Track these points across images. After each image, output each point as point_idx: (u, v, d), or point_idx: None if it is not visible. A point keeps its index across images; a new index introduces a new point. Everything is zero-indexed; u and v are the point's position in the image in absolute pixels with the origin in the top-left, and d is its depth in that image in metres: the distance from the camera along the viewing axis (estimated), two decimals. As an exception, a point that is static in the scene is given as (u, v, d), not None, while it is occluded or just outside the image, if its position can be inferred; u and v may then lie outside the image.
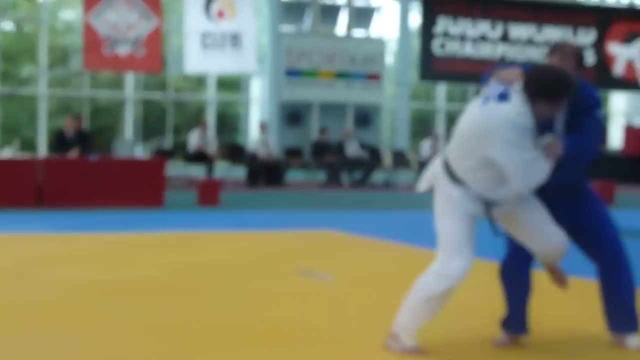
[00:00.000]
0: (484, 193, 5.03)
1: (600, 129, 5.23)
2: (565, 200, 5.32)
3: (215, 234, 11.47)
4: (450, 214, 5.06)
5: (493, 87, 5.00)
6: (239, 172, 22.79)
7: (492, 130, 4.81)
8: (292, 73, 26.11)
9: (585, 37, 29.73)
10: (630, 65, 30.02)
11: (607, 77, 29.84)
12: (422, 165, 23.35)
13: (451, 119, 32.10)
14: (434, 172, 5.20)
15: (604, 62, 29.73)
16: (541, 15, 29.30)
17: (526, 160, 4.79)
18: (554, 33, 29.19)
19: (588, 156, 5.19)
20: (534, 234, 5.16)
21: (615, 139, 31.57)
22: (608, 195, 18.57)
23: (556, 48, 5.29)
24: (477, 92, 29.11)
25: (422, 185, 5.26)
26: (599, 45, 29.61)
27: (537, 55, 28.94)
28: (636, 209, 17.15)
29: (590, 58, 29.50)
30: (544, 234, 5.15)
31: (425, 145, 23.80)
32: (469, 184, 5.01)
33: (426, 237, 11.16)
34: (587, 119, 5.17)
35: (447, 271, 5.05)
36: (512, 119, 4.79)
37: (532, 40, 29.05)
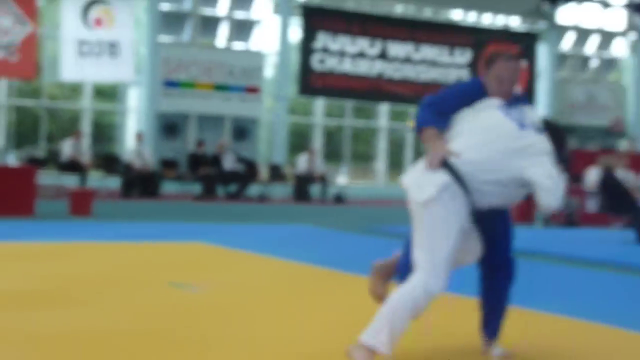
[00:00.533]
0: (492, 203, 5.17)
1: None
2: (495, 216, 5.42)
3: (87, 245, 11.32)
4: (446, 230, 5.04)
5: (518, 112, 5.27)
6: (114, 183, 22.53)
7: (543, 153, 5.15)
8: (169, 84, 25.97)
9: (461, 57, 30.33)
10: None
11: (481, 97, 30.47)
12: (299, 179, 23.48)
13: (329, 134, 32.34)
14: (431, 180, 5.09)
15: (479, 82, 30.33)
16: (419, 34, 29.80)
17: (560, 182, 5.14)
18: (430, 52, 29.71)
19: None
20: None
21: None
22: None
23: (504, 55, 5.41)
24: (356, 108, 29.28)
25: (428, 192, 5.07)
26: (474, 66, 30.22)
27: (413, 73, 29.39)
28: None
29: (466, 78, 30.08)
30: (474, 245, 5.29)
31: (302, 160, 23.90)
32: (485, 195, 5.10)
33: (297, 250, 11.26)
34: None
35: (431, 289, 5.00)
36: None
37: (410, 59, 29.51)
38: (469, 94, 5.38)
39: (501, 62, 5.37)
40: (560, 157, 5.28)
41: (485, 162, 5.09)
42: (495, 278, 5.53)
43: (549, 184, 5.08)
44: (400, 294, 5.03)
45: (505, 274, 5.53)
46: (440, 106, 5.30)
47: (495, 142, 5.14)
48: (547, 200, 5.10)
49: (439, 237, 5.02)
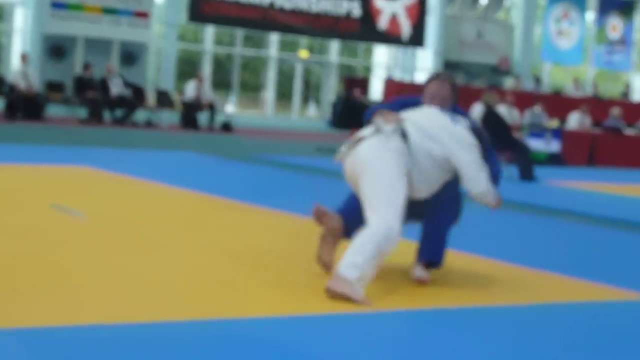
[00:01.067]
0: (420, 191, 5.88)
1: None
2: None
3: (-33, 166, 11.17)
4: (398, 173, 5.61)
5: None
6: (-3, 104, 22.13)
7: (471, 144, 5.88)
8: (57, 5, 25.42)
9: (353, -10, 30.31)
10: (394, 19, 30.89)
11: (372, 31, 30.63)
12: (187, 106, 23.38)
13: (217, 62, 32.19)
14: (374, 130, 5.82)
15: (370, 15, 30.47)
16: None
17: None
18: (322, -17, 29.63)
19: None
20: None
21: (377, 91, 32.46)
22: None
23: (436, 77, 6.40)
24: (246, 37, 29.17)
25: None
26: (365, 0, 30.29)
27: (305, 4, 29.31)
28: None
29: (356, 11, 30.19)
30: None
31: (190, 87, 23.74)
32: (420, 174, 5.79)
33: (182, 177, 11.29)
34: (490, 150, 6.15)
35: (393, 232, 5.42)
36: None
37: (301, -11, 29.36)
38: (410, 104, 6.32)
39: (432, 82, 6.36)
40: (483, 154, 5.96)
41: (427, 132, 5.82)
42: (435, 212, 6.07)
43: (473, 170, 5.83)
44: (363, 241, 5.38)
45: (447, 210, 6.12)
46: (387, 108, 6.17)
47: (433, 124, 5.91)
48: (471, 185, 5.85)
49: (395, 184, 5.55)
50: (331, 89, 34.16)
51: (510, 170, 15.22)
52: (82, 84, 22.77)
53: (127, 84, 23.46)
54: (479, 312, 5.42)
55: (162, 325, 4.51)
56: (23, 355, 3.89)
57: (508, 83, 32.10)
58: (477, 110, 18.70)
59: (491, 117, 16.17)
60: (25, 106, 21.27)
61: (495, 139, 15.63)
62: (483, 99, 17.43)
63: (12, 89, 21.38)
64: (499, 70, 34.49)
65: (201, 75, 24.34)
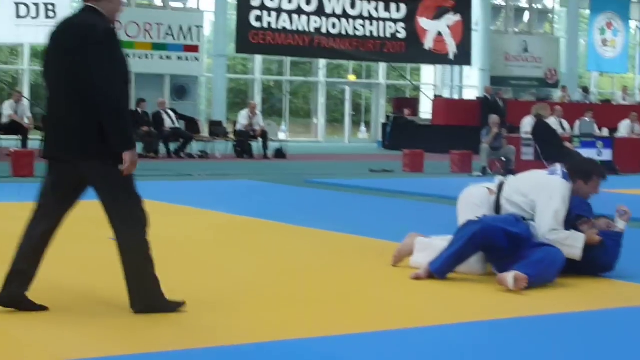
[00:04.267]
0: None
1: None
2: None
3: (29, 205, 11.41)
4: None
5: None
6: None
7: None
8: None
9: (397, 13, 30.50)
10: (439, 39, 31.02)
11: (418, 50, 30.78)
12: (240, 135, 23.64)
13: (267, 90, 32.53)
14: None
15: (416, 35, 30.63)
16: (354, -10, 29.91)
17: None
18: (366, 7, 29.85)
19: None
20: None
21: (426, 110, 32.59)
22: (418, 163, 19.33)
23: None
24: (294, 64, 29.47)
25: None
26: (409, 20, 30.45)
27: (350, 28, 29.54)
28: (442, 176, 17.89)
29: (402, 33, 30.36)
30: None
31: (242, 116, 23.97)
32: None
33: (239, 204, 11.47)
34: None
35: None
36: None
37: (346, 14, 29.60)
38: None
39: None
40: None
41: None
42: None
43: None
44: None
45: None
46: None
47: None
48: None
49: None
50: (380, 110, 34.34)
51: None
52: (136, 119, 23.11)
53: (180, 117, 23.78)
54: (552, 319, 5.57)
55: (243, 347, 4.68)
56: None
57: (556, 95, 32.07)
58: (527, 123, 18.81)
59: (542, 129, 16.29)
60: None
61: (548, 151, 15.78)
62: (533, 112, 17.55)
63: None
64: (547, 82, 34.47)
65: (253, 104, 24.60)
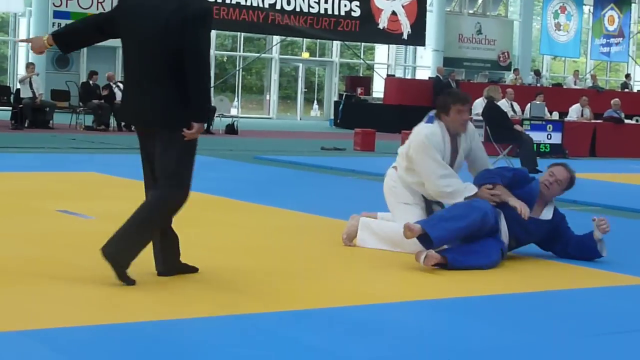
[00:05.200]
0: None
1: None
2: None
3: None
4: None
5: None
6: (4, 114, 22.31)
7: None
8: (60, 14, 25.66)
9: (352, -10, 30.45)
10: (393, 18, 31.05)
11: (372, 29, 30.79)
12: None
13: (220, 66, 32.34)
14: None
15: (371, 14, 30.62)
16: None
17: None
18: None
19: None
20: None
21: (378, 89, 32.63)
22: (369, 142, 19.33)
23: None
24: (247, 40, 29.14)
25: None
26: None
27: (304, 5, 29.40)
28: (393, 155, 17.86)
29: (356, 12, 30.33)
30: None
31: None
32: None
33: (199, 180, 11.39)
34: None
35: None
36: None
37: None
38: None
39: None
40: None
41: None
42: None
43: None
44: None
45: None
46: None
47: None
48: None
49: None
50: (333, 88, 34.33)
51: (513, 163, 15.37)
52: (87, 92, 22.92)
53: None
54: (489, 300, 5.61)
55: (176, 322, 4.67)
56: (43, 355, 4.03)
57: (508, 77, 32.27)
58: (478, 104, 18.87)
59: (493, 111, 16.35)
60: (33, 115, 21.46)
61: (498, 133, 15.84)
62: (485, 94, 17.59)
63: (19, 98, 21.56)
64: (499, 65, 34.65)
65: None
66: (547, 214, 6.91)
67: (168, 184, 5.50)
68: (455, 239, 6.44)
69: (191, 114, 5.40)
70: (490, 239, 6.54)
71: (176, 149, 5.46)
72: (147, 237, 5.53)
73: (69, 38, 5.81)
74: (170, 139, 5.44)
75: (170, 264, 5.66)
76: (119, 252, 5.38)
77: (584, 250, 6.89)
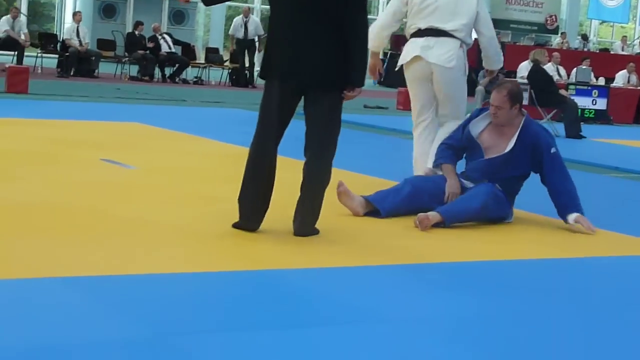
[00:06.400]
0: None
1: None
2: None
3: (22, 121, 11.45)
4: None
5: None
6: (51, 62, 22.48)
7: None
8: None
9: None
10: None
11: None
12: (235, 64, 23.50)
13: (265, 19, 32.23)
14: None
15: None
16: None
17: None
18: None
19: None
20: None
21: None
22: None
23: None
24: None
25: None
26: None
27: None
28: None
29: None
30: None
31: (237, 21, 23.51)
32: None
33: (228, 133, 11.46)
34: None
35: None
36: None
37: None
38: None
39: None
40: None
41: None
42: None
43: None
44: None
45: None
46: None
47: None
48: None
49: None
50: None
51: (557, 128, 15.30)
52: (133, 42, 23.01)
53: (176, 42, 23.67)
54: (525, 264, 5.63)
55: (209, 275, 4.70)
56: (83, 301, 4.07)
57: (555, 41, 31.97)
58: (524, 67, 18.76)
59: (538, 74, 16.23)
60: (78, 63, 21.60)
61: (543, 97, 15.74)
62: (531, 57, 17.48)
63: (65, 46, 21.70)
64: (546, 28, 34.32)
65: (246, 9, 23.97)
66: (510, 145, 6.75)
67: (329, 153, 5.79)
68: (462, 220, 6.46)
69: (356, 77, 5.54)
70: (481, 185, 6.60)
71: (337, 112, 5.64)
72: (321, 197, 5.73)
73: None
74: (334, 100, 5.57)
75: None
76: (311, 227, 5.62)
77: (556, 203, 6.78)
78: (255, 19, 23.77)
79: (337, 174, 8.52)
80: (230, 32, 23.54)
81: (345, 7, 5.41)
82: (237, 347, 3.57)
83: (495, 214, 6.56)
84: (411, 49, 7.70)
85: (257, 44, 22.81)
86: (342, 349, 3.65)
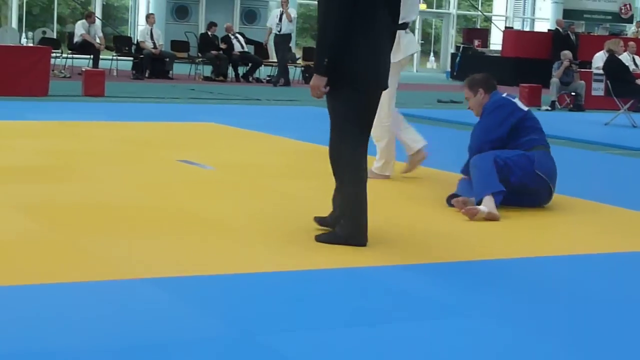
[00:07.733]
0: None
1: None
2: None
3: (99, 123, 11.61)
4: None
5: None
6: (125, 64, 22.75)
7: None
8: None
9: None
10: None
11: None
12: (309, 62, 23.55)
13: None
14: None
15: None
16: None
17: None
18: None
19: None
20: None
21: (496, 41, 32.25)
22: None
23: None
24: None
25: None
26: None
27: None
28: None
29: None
30: None
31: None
32: None
33: (304, 131, 11.51)
34: None
35: None
36: None
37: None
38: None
39: None
40: None
41: None
42: None
43: None
44: None
45: None
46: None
47: None
48: None
49: None
50: (450, 40, 34.05)
51: (634, 118, 15.09)
52: (206, 43, 23.20)
53: (249, 41, 23.80)
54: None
55: (294, 274, 4.71)
56: (166, 302, 4.12)
57: (630, 30, 31.53)
58: (599, 58, 18.56)
59: (614, 64, 16.05)
60: (152, 65, 21.84)
61: (618, 87, 15.55)
62: (605, 47, 17.30)
63: (139, 48, 21.96)
64: (621, 17, 33.86)
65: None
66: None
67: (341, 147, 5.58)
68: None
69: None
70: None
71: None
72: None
73: None
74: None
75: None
76: (340, 209, 5.44)
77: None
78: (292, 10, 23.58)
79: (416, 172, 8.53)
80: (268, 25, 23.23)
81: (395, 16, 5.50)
82: (326, 345, 3.60)
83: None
84: None
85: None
86: (430, 343, 3.67)
